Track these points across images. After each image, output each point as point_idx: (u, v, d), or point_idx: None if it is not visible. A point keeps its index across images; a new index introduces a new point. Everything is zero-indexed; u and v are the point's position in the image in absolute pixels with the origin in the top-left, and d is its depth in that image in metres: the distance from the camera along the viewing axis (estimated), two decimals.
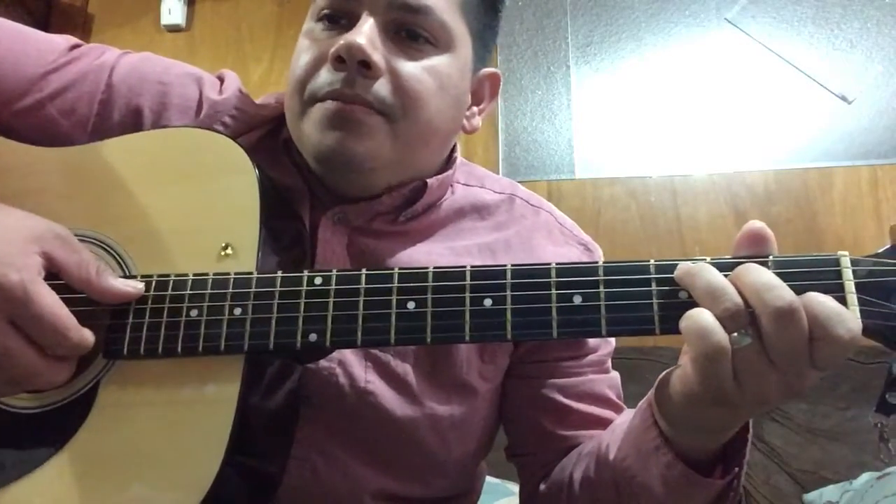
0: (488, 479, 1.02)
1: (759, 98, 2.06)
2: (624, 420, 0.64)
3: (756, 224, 0.49)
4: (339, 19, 0.67)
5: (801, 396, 0.49)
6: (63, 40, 0.76)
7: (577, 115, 2.19)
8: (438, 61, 0.67)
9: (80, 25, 2.55)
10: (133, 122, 0.72)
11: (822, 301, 0.43)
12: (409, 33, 0.66)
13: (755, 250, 0.49)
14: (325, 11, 0.68)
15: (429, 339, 0.51)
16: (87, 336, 0.54)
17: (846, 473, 1.54)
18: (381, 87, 0.64)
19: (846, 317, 0.43)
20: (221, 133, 0.66)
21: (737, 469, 0.54)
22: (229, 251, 0.57)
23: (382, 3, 0.65)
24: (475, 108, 0.76)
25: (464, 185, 0.78)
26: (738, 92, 2.08)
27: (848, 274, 0.45)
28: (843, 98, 2.01)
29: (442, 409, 0.69)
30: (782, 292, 0.43)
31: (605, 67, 2.21)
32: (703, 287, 0.45)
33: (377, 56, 0.63)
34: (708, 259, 0.48)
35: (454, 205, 0.76)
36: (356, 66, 0.63)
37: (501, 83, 0.78)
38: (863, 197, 1.92)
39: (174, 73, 0.76)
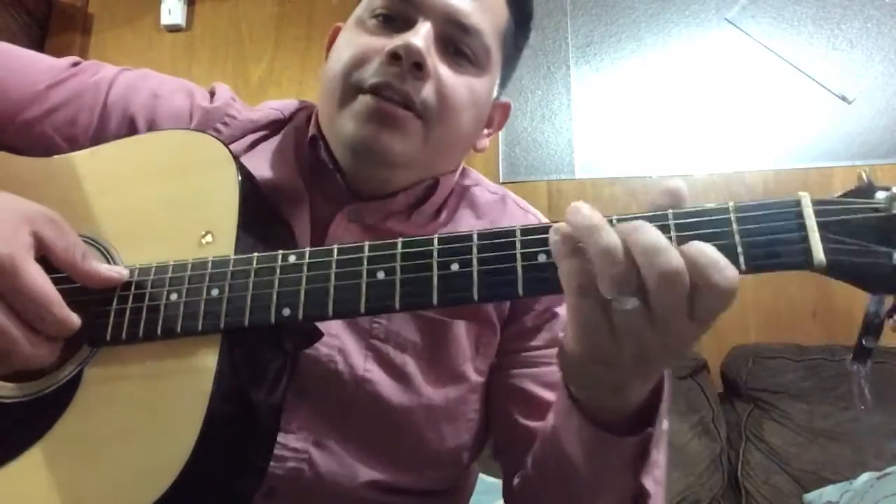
0: (488, 478, 1.02)
1: (759, 98, 2.06)
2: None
3: (673, 182, 0.48)
4: (395, 20, 0.70)
5: (682, 354, 0.47)
6: (65, 60, 0.80)
7: (577, 115, 2.19)
8: (476, 80, 0.72)
9: (80, 25, 2.55)
10: (128, 132, 0.76)
11: (701, 248, 0.42)
12: (457, 49, 0.71)
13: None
14: (382, 11, 0.71)
15: (397, 306, 0.52)
16: (71, 315, 0.55)
17: (846, 473, 1.54)
18: (427, 91, 0.68)
19: (724, 265, 0.42)
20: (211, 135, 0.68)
21: (649, 429, 0.54)
22: (209, 238, 0.60)
23: (440, 15, 0.69)
24: (486, 131, 0.82)
25: (463, 184, 0.83)
26: (738, 92, 2.08)
27: (809, 213, 0.45)
28: (843, 98, 2.01)
29: (437, 399, 0.71)
30: (669, 256, 0.41)
31: (605, 67, 2.21)
32: (594, 242, 0.43)
33: (430, 60, 0.67)
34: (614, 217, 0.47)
35: (455, 202, 0.80)
36: (410, 65, 0.66)
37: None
38: None
39: (167, 87, 0.80)
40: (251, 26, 2.50)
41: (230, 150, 0.64)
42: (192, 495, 0.53)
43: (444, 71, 0.69)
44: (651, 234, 0.42)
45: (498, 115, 0.83)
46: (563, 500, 0.64)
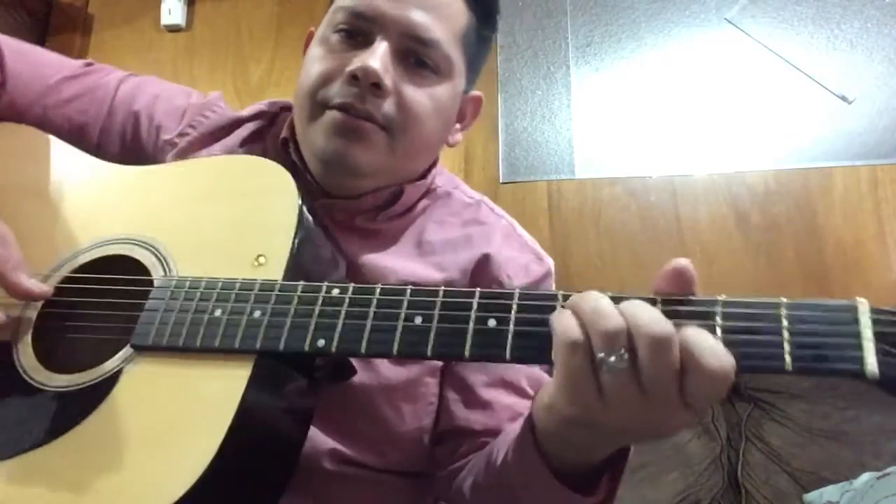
0: None
1: (759, 98, 2.06)
2: (516, 426, 0.64)
3: (681, 261, 0.47)
4: (356, 35, 0.74)
5: (665, 435, 0.47)
6: (80, 61, 0.90)
7: (577, 115, 2.19)
8: (438, 88, 0.76)
9: (80, 25, 2.55)
10: (133, 123, 0.85)
11: (696, 332, 0.42)
12: (417, 61, 0.74)
13: (677, 289, 0.47)
14: (343, 26, 0.74)
15: (429, 354, 0.53)
16: (23, 282, 0.63)
17: (846, 473, 1.54)
18: (388, 106, 0.72)
19: (718, 350, 0.42)
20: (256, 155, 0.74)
21: (604, 496, 0.55)
22: (261, 261, 0.63)
23: (397, 31, 0.72)
24: (457, 126, 0.85)
25: (440, 187, 0.86)
26: (738, 92, 2.08)
27: (866, 320, 0.43)
28: (843, 98, 2.01)
29: (395, 378, 0.73)
30: (663, 324, 0.42)
31: (605, 68, 2.21)
32: (588, 306, 0.45)
33: (388, 79, 0.71)
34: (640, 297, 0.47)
35: (429, 203, 0.84)
36: (368, 86, 0.70)
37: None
38: (863, 197, 1.92)
39: (169, 91, 0.89)
40: (251, 26, 2.50)
41: (293, 180, 0.67)
42: (209, 500, 0.54)
43: (404, 85, 0.73)
44: (647, 307, 0.44)
45: (470, 109, 0.86)
46: None
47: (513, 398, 0.76)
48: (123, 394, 0.59)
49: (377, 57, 0.70)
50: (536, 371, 0.79)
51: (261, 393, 0.57)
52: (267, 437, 0.60)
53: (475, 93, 0.86)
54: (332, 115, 0.72)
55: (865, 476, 1.48)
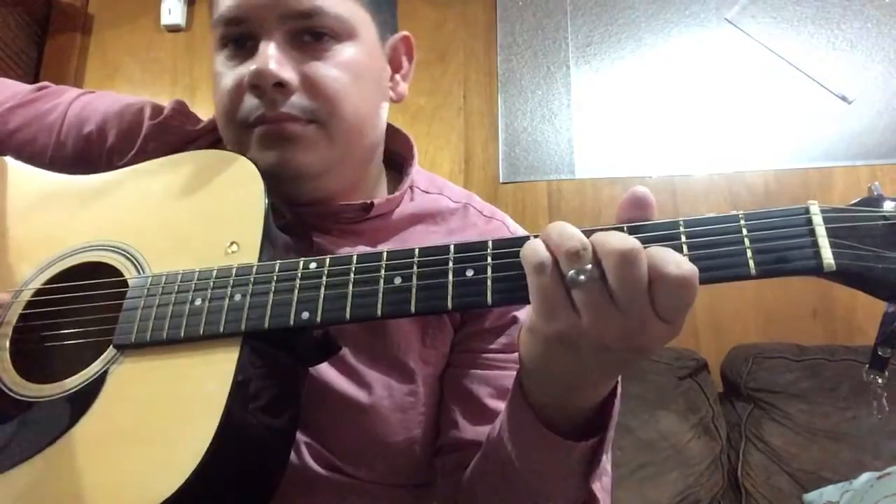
0: None
1: (759, 98, 2.06)
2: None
3: (638, 189, 0.51)
4: (245, 42, 0.70)
5: (645, 353, 0.49)
6: (33, 85, 0.86)
7: (577, 115, 2.19)
8: (346, 53, 0.70)
9: (80, 25, 2.55)
10: (84, 147, 0.81)
11: (659, 249, 0.45)
12: (312, 35, 0.69)
13: (639, 215, 0.51)
14: (227, 39, 0.71)
15: (413, 310, 0.54)
16: None
17: (846, 473, 1.55)
18: (302, 99, 0.68)
19: (681, 260, 0.44)
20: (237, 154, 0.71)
21: (602, 433, 0.56)
22: (234, 248, 0.62)
23: (275, 18, 0.68)
24: (397, 76, 0.80)
25: (423, 191, 0.82)
26: (738, 92, 2.08)
27: (818, 219, 0.47)
28: (843, 98, 2.01)
29: (380, 390, 0.71)
30: (628, 238, 0.45)
31: (605, 67, 2.21)
32: (555, 231, 0.48)
33: (287, 73, 0.67)
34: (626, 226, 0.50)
35: (411, 210, 0.80)
36: (271, 88, 0.67)
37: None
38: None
39: (119, 106, 0.84)
40: None
41: (255, 167, 0.66)
42: (205, 494, 0.54)
43: (309, 67, 0.68)
44: (611, 232, 0.47)
45: (402, 52, 0.80)
46: None
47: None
48: (111, 394, 0.59)
49: (265, 56, 0.66)
50: None
51: (251, 374, 0.57)
52: (260, 419, 0.59)
53: (399, 34, 0.80)
54: (255, 133, 0.69)
55: (865, 476, 1.49)
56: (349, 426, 0.70)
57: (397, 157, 0.85)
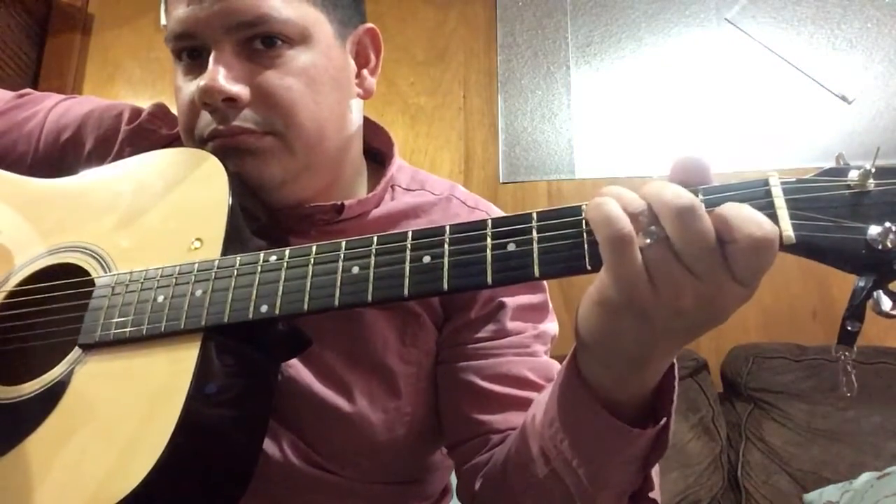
0: None
1: (759, 98, 2.06)
2: (549, 390, 0.62)
3: (688, 155, 0.48)
4: (198, 55, 0.69)
5: (722, 317, 0.47)
6: (14, 93, 0.87)
7: (577, 115, 2.19)
8: (300, 59, 0.68)
9: (80, 25, 2.55)
10: (64, 154, 0.81)
11: (732, 205, 0.43)
12: (263, 42, 0.67)
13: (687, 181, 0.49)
14: (179, 53, 0.70)
15: (370, 299, 0.53)
16: None
17: (846, 473, 1.55)
18: (255, 111, 0.67)
19: (759, 218, 0.42)
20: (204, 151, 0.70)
21: (665, 419, 0.53)
22: (197, 244, 0.62)
23: (222, 29, 0.66)
24: (364, 72, 0.77)
25: (405, 189, 0.81)
26: (738, 92, 2.08)
27: (777, 191, 0.45)
28: (843, 98, 2.01)
29: (362, 393, 0.70)
30: (682, 193, 0.43)
31: (605, 67, 2.21)
32: (611, 193, 0.46)
33: (236, 88, 0.66)
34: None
35: (391, 209, 0.78)
36: (221, 104, 0.66)
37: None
38: None
39: (98, 111, 0.83)
40: None
41: (221, 163, 0.66)
42: (168, 490, 0.54)
43: (261, 78, 0.67)
44: (665, 183, 0.45)
45: (368, 46, 0.77)
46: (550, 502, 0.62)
47: (526, 392, 0.72)
48: (75, 395, 0.59)
49: (211, 72, 0.65)
50: (540, 361, 0.75)
51: (212, 371, 0.57)
52: (225, 416, 0.59)
53: (362, 27, 0.76)
54: (210, 147, 0.68)
55: (865, 476, 1.48)
56: (333, 430, 0.70)
57: (379, 155, 0.84)
